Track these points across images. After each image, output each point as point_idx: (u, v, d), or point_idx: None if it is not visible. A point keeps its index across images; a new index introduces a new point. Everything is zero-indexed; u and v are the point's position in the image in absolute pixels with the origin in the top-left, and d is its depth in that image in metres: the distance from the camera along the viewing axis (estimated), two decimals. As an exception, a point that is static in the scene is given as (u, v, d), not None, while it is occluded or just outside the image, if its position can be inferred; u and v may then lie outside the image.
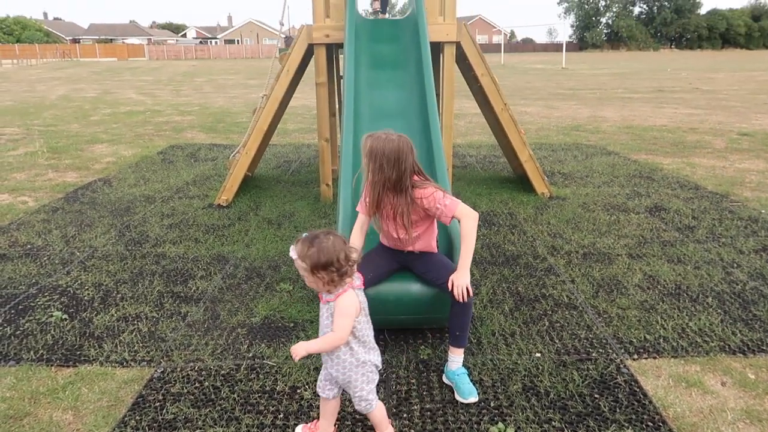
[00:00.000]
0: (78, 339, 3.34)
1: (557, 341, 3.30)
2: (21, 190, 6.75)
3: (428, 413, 2.68)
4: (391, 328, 3.38)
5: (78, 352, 3.19)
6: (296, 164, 8.13)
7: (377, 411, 2.40)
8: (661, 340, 3.30)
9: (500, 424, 2.58)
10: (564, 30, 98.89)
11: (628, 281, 4.11)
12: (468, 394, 2.75)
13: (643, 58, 53.66)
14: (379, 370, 2.42)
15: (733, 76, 27.85)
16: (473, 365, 3.05)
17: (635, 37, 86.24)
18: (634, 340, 3.30)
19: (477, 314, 3.61)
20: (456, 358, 2.90)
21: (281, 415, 2.66)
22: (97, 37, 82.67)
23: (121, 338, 3.35)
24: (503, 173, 7.48)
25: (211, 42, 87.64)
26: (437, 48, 5.76)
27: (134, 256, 4.62)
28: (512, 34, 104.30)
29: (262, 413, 2.68)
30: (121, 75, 31.99)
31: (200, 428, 2.57)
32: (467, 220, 2.81)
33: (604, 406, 2.71)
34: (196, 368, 3.05)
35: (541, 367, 3.03)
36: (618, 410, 2.68)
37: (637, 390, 2.84)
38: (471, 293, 2.79)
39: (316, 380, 2.92)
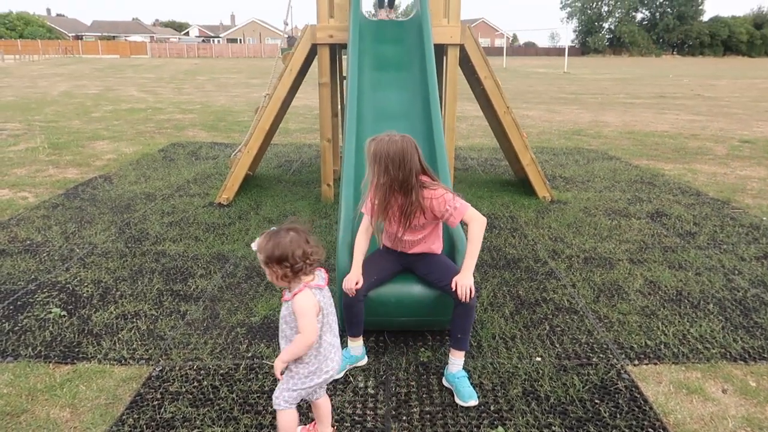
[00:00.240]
0: (76, 336, 3.32)
1: (558, 345, 3.29)
2: (21, 185, 6.73)
3: (428, 416, 2.67)
4: (392, 330, 3.37)
5: (76, 350, 3.18)
6: (297, 164, 8.11)
7: (286, 416, 2.29)
8: (662, 346, 3.29)
9: (500, 428, 2.57)
10: (566, 34, 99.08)
11: (629, 286, 4.10)
12: (468, 397, 2.73)
13: (645, 64, 53.69)
14: (328, 380, 2.31)
15: (734, 83, 27.87)
16: (473, 368, 3.04)
17: (637, 43, 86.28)
18: (635, 346, 3.29)
19: (477, 317, 3.60)
20: (456, 360, 2.89)
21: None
22: (100, 34, 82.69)
23: (119, 336, 3.33)
24: (504, 176, 7.47)
25: (213, 41, 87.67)
26: (440, 50, 5.75)
27: (134, 254, 4.60)
28: (515, 37, 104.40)
29: (261, 413, 2.66)
30: (123, 72, 31.99)
31: (198, 428, 2.56)
32: (475, 224, 2.81)
33: (605, 412, 2.70)
34: (194, 367, 3.03)
35: (541, 372, 3.02)
36: (618, 416, 2.67)
37: (638, 396, 2.82)
38: (474, 294, 2.78)
39: (315, 381, 2.91)
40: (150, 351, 3.18)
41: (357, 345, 3.03)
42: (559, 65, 43.64)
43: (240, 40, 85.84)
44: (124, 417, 2.62)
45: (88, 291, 3.92)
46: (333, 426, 2.54)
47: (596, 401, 2.78)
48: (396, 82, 5.13)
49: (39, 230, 5.14)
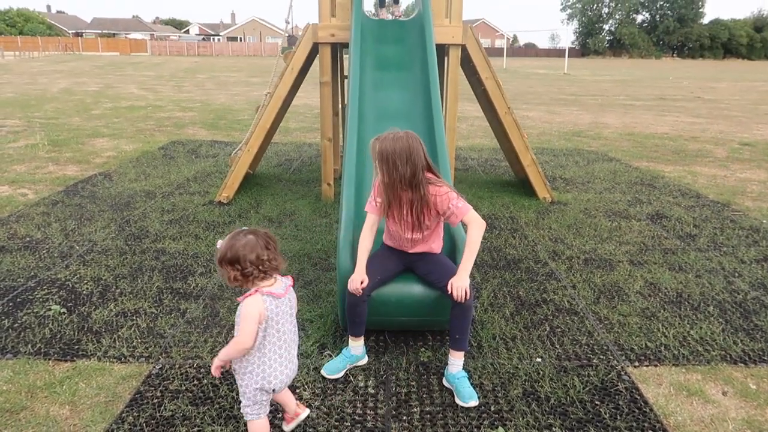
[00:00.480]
0: (76, 333, 3.32)
1: (558, 347, 3.29)
2: (21, 182, 6.72)
3: (428, 416, 2.67)
4: (392, 330, 3.37)
5: (76, 347, 3.17)
6: (297, 163, 8.11)
7: (256, 427, 2.30)
8: (662, 348, 3.29)
9: (500, 429, 2.57)
10: (567, 36, 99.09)
11: (630, 288, 4.10)
12: (468, 397, 2.73)
13: (644, 66, 53.74)
14: (274, 390, 2.27)
15: (734, 85, 27.89)
16: (473, 369, 3.04)
17: (637, 45, 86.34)
18: (635, 348, 3.29)
19: (478, 318, 3.60)
20: (456, 361, 2.88)
21: (279, 414, 2.64)
22: (100, 32, 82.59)
23: (119, 333, 3.33)
24: (505, 177, 7.47)
25: (213, 39, 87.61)
26: (442, 50, 5.75)
27: (134, 251, 4.60)
28: (515, 38, 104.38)
29: (261, 412, 2.66)
30: (123, 70, 31.96)
31: (198, 426, 2.56)
32: (474, 227, 2.82)
33: (605, 413, 2.70)
34: (194, 365, 3.03)
35: (541, 372, 3.02)
36: (619, 417, 2.67)
37: (638, 398, 2.82)
38: (470, 296, 2.78)
39: (315, 380, 2.92)
40: (150, 349, 3.18)
41: (358, 345, 3.03)
42: (559, 66, 43.66)
43: (240, 38, 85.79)
44: (123, 415, 2.62)
45: (87, 288, 3.91)
46: (298, 404, 2.54)
47: (596, 402, 2.78)
48: (397, 81, 5.13)
49: (39, 227, 5.13)
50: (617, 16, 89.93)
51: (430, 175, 2.88)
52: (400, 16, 6.37)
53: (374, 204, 2.99)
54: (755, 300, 3.95)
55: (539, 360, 3.15)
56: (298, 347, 3.17)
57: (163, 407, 2.68)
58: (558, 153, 9.28)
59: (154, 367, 3.01)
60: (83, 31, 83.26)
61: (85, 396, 2.75)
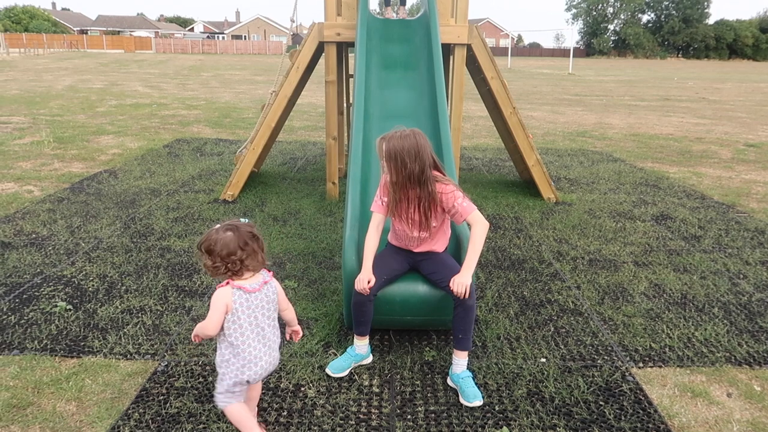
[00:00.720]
0: (82, 330, 3.33)
1: (562, 347, 3.29)
2: (26, 179, 6.75)
3: (432, 415, 2.67)
4: (397, 329, 3.38)
5: (82, 344, 3.19)
6: (302, 161, 8.12)
7: (231, 411, 2.35)
8: (667, 349, 3.29)
9: (505, 429, 2.57)
10: (571, 36, 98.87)
11: (634, 289, 4.10)
12: (473, 397, 2.74)
13: (649, 66, 53.61)
14: (248, 382, 2.33)
15: (739, 86, 27.81)
16: (478, 368, 3.04)
17: (642, 45, 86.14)
18: (640, 349, 3.29)
19: (482, 317, 3.60)
20: (460, 361, 2.89)
21: (285, 413, 2.66)
22: (105, 29, 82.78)
23: (125, 330, 3.34)
24: (509, 177, 7.47)
25: (218, 37, 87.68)
26: (447, 49, 5.75)
27: (139, 249, 4.61)
28: (519, 38, 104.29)
29: (266, 410, 2.67)
30: (128, 67, 32.02)
31: (203, 423, 2.57)
32: (478, 227, 2.83)
33: (609, 414, 2.70)
34: (200, 363, 3.04)
35: (546, 373, 3.02)
36: (623, 418, 2.67)
37: (643, 398, 2.82)
38: (470, 293, 2.79)
39: (320, 378, 2.93)
40: (155, 346, 3.19)
41: (363, 344, 3.03)
42: (564, 66, 43.59)
43: (244, 36, 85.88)
44: (129, 411, 2.63)
45: (93, 285, 3.93)
46: (256, 409, 2.57)
47: (601, 403, 2.79)
48: (403, 81, 5.13)
49: (44, 224, 5.15)
50: (622, 16, 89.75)
51: (436, 173, 2.90)
52: (404, 16, 6.37)
53: (380, 203, 3.00)
54: (760, 302, 3.94)
55: (544, 360, 3.15)
56: (302, 345, 3.20)
57: (168, 404, 2.69)
58: (562, 153, 9.27)
59: (160, 364, 3.02)
60: (88, 28, 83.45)
61: (91, 392, 2.77)
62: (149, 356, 3.09)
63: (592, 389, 2.89)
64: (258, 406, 2.63)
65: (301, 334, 2.62)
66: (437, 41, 5.10)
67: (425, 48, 5.23)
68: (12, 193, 6.15)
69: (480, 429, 2.58)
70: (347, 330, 3.36)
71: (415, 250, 3.08)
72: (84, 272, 4.14)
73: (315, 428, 2.57)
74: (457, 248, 3.32)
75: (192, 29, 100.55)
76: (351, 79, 6.55)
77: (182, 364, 3.03)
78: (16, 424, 2.54)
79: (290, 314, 2.54)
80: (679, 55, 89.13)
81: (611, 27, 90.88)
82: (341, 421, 2.61)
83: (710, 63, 72.23)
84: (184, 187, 6.54)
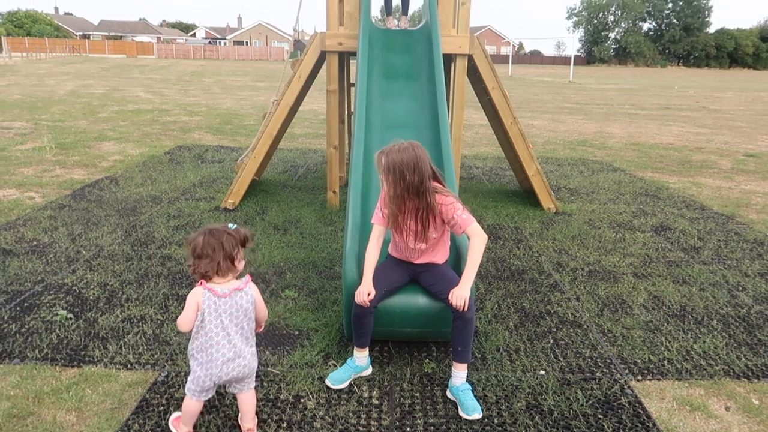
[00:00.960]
0: (83, 339, 3.34)
1: (562, 359, 3.30)
2: (28, 185, 6.77)
3: (432, 428, 2.68)
4: (396, 341, 3.38)
5: (82, 353, 3.20)
6: (303, 170, 8.14)
7: (186, 403, 2.47)
8: (666, 362, 3.30)
9: (504, 442, 2.58)
10: (572, 44, 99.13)
11: (633, 301, 4.11)
12: (472, 410, 2.74)
13: (650, 75, 53.74)
14: (210, 387, 2.45)
15: (740, 95, 27.88)
16: (477, 381, 3.05)
17: (643, 54, 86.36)
18: (639, 361, 3.30)
19: (482, 329, 3.61)
20: (459, 373, 2.90)
21: (284, 424, 2.66)
22: (107, 34, 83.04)
23: (125, 340, 3.35)
24: (509, 186, 7.49)
25: (219, 42, 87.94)
26: (448, 59, 5.78)
27: (140, 257, 4.63)
28: (520, 45, 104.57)
29: (266, 422, 2.67)
30: (130, 72, 32.10)
31: (203, 434, 2.57)
32: (476, 239, 2.85)
33: (608, 427, 2.71)
34: (200, 373, 3.04)
35: (545, 385, 3.03)
36: (622, 432, 2.68)
37: (641, 412, 2.83)
38: (469, 306, 2.80)
39: (320, 389, 2.94)
40: (156, 356, 3.20)
41: (363, 355, 3.04)
42: (565, 74, 43.69)
43: (246, 42, 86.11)
44: (129, 422, 2.64)
45: (94, 294, 3.94)
46: (254, 420, 2.58)
47: (600, 416, 2.79)
48: (404, 91, 5.16)
49: (46, 231, 5.16)
50: (623, 25, 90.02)
51: (436, 184, 2.92)
52: (406, 26, 6.40)
53: (381, 215, 3.02)
54: (759, 314, 3.95)
55: (543, 372, 3.16)
56: (302, 356, 3.20)
57: (168, 415, 2.69)
58: (563, 162, 9.30)
59: (160, 374, 3.03)
60: (90, 33, 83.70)
61: (91, 402, 2.77)
62: (149, 366, 3.10)
63: (591, 402, 2.90)
64: (257, 416, 2.64)
65: (261, 329, 2.68)
66: (438, 51, 5.13)
67: (427, 58, 5.26)
68: (13, 199, 6.16)
69: (479, 442, 2.59)
70: (347, 341, 3.37)
71: (416, 262, 3.09)
72: (85, 280, 4.15)
73: (314, 440, 2.57)
74: (458, 260, 3.33)
75: (194, 35, 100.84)
76: (352, 88, 6.58)
77: (182, 374, 3.03)
78: (16, 434, 2.55)
79: (261, 315, 2.61)
80: (680, 64, 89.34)
81: (612, 35, 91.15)
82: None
83: (711, 72, 72.42)
84: (185, 194, 6.56)
